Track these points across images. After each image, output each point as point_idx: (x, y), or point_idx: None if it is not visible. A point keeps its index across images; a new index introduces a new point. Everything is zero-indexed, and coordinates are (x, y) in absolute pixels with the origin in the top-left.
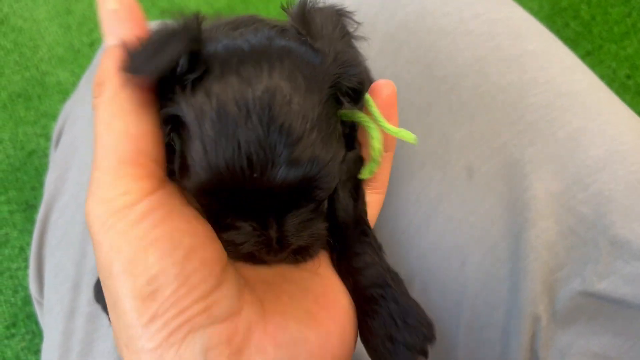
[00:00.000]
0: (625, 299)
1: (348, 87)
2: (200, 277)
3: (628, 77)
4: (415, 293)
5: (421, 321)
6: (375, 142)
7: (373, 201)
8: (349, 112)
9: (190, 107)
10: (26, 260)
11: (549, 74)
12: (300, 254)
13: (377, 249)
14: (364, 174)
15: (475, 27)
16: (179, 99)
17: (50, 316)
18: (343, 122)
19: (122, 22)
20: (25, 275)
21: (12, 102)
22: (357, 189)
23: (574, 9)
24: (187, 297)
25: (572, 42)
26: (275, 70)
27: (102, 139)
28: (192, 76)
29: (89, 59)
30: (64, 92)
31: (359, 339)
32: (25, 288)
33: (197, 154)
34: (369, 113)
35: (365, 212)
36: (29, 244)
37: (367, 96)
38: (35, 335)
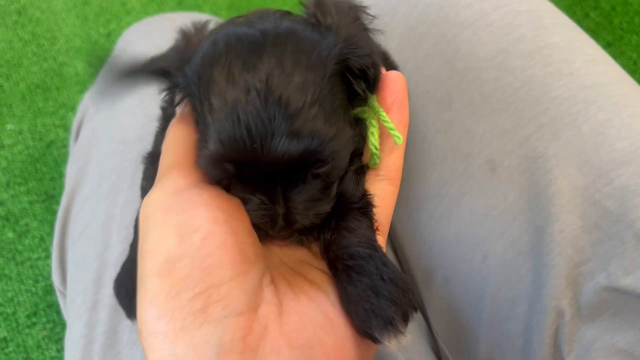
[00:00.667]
0: None
1: (358, 68)
2: (215, 262)
3: None
4: (437, 286)
5: (402, 288)
6: (371, 136)
7: (387, 193)
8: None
9: (199, 86)
10: (46, 250)
11: (573, 66)
12: (305, 235)
13: (371, 227)
14: (370, 164)
15: (497, 19)
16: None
17: (73, 307)
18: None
19: None
20: (46, 265)
21: (30, 93)
22: (361, 171)
23: None
24: (201, 281)
25: (593, 33)
26: (277, 48)
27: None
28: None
29: (106, 50)
30: (82, 84)
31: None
32: (46, 278)
33: (205, 127)
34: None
35: (367, 194)
36: (48, 234)
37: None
38: (55, 324)
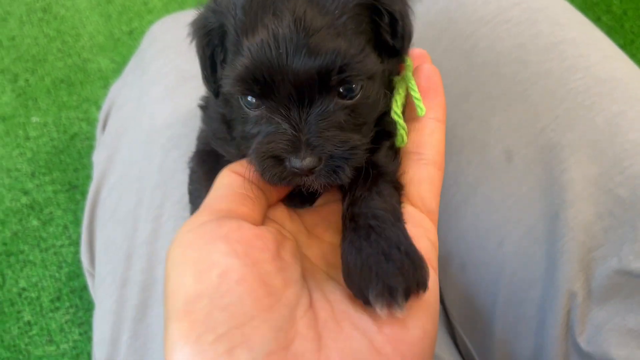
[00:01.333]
0: None
1: (387, 10)
2: (234, 299)
3: None
4: (453, 271)
5: (415, 263)
6: (394, 104)
7: (434, 178)
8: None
9: (226, 9)
10: (70, 237)
11: (589, 61)
12: (333, 169)
13: (399, 202)
14: (398, 142)
15: (515, 15)
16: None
17: (103, 286)
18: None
19: None
20: (69, 252)
21: (55, 87)
22: (395, 150)
23: (606, 3)
24: (223, 321)
25: None
26: None
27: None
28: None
29: (128, 47)
30: (104, 79)
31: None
32: (69, 264)
33: (236, 52)
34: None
35: (400, 172)
36: (72, 222)
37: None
38: (78, 308)
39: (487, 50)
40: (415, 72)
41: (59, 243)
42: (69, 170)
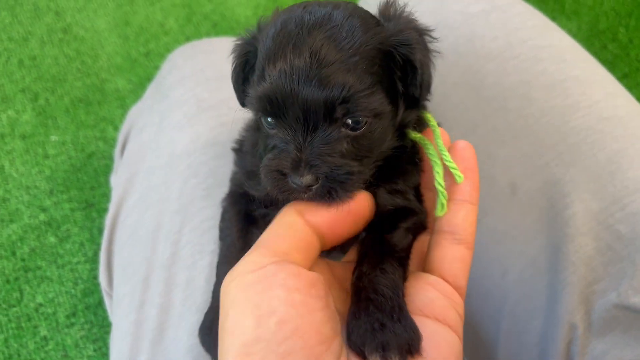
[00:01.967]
0: None
1: (401, 57)
2: (290, 347)
3: None
4: None
5: (407, 328)
6: (437, 175)
7: (464, 257)
8: (416, 134)
9: (260, 39)
10: (85, 255)
11: (592, 98)
12: (328, 191)
13: (402, 277)
14: (438, 211)
15: (522, 52)
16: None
17: (120, 306)
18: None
19: None
20: (85, 269)
21: (74, 106)
22: (415, 229)
23: (612, 31)
24: None
25: (610, 64)
26: (332, 23)
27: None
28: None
29: (145, 68)
30: (121, 99)
31: None
32: (85, 281)
33: (259, 69)
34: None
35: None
36: (88, 239)
37: (434, 124)
38: (93, 325)
39: (494, 85)
40: (450, 149)
41: (75, 260)
42: (85, 189)
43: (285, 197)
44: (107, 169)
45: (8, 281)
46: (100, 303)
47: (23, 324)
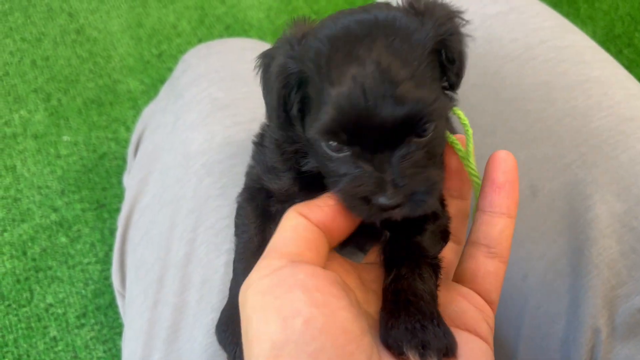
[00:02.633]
0: None
1: (447, 54)
2: (319, 346)
3: None
4: None
5: (446, 333)
6: (470, 169)
7: (498, 271)
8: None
9: (307, 56)
10: (96, 255)
11: (613, 99)
12: (417, 203)
13: (436, 284)
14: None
15: (541, 53)
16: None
17: (133, 305)
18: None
19: None
20: (96, 270)
21: (86, 107)
22: (443, 235)
23: (628, 36)
24: None
25: (625, 69)
26: (386, 31)
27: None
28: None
29: (157, 69)
30: (134, 100)
31: None
32: (95, 281)
33: (320, 99)
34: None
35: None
36: (99, 240)
37: (465, 121)
38: (103, 326)
39: (513, 86)
40: (490, 161)
41: (85, 260)
42: (97, 189)
43: (375, 219)
44: (119, 170)
45: (18, 281)
46: (110, 304)
47: (33, 324)
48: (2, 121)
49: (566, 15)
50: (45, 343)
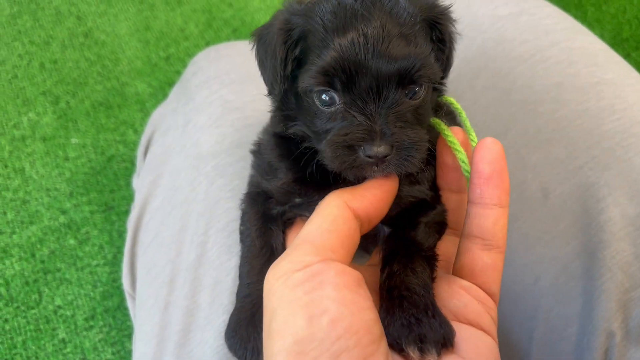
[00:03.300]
0: None
1: (437, 34)
2: (342, 346)
3: None
4: None
5: (442, 324)
6: (462, 164)
7: (496, 262)
8: (434, 119)
9: (312, 13)
10: (105, 257)
11: (626, 102)
12: (404, 158)
13: (431, 276)
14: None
15: (553, 55)
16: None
17: (144, 309)
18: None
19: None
20: (104, 272)
21: (94, 110)
22: (439, 227)
23: (636, 39)
24: None
25: None
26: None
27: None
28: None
29: (165, 72)
30: (141, 103)
31: None
32: (104, 283)
33: (319, 40)
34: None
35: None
36: (107, 242)
37: (461, 110)
38: (111, 328)
39: (524, 88)
40: (477, 150)
41: (94, 262)
42: (105, 192)
43: (355, 173)
44: (127, 172)
45: (27, 283)
46: (119, 306)
47: (41, 326)
48: (11, 124)
49: (573, 18)
50: (53, 345)
